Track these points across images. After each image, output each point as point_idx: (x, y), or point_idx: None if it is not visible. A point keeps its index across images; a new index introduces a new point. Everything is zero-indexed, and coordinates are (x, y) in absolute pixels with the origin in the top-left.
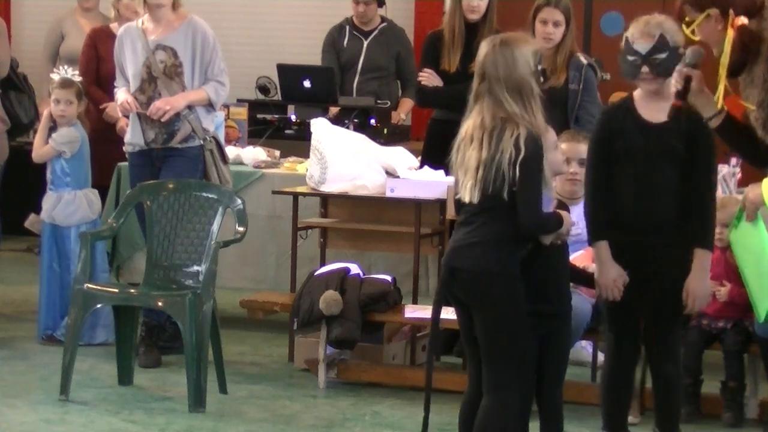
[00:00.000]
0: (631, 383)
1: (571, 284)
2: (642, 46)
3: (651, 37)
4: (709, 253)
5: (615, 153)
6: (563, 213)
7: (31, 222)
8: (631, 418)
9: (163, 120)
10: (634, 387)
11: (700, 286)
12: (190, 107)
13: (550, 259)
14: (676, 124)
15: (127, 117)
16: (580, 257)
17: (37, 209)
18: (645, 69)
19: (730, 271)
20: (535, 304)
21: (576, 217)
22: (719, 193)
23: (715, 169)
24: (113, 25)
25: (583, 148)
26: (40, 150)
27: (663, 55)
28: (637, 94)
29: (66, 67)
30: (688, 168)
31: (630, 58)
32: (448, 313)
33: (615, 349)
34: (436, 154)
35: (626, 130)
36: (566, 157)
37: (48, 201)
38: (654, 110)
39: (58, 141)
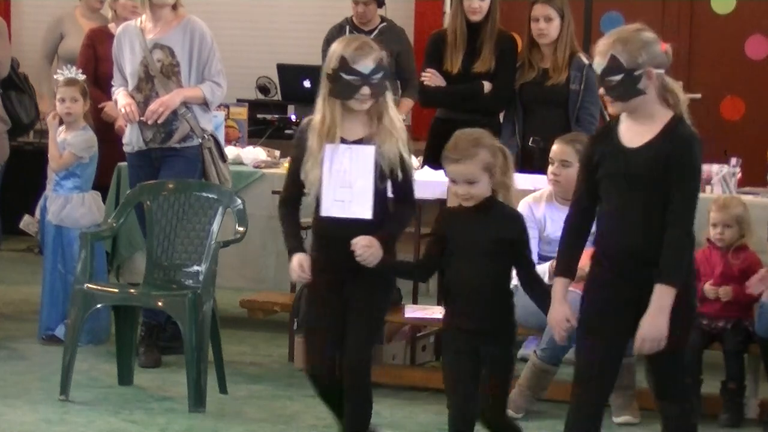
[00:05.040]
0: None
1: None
2: (598, 65)
3: (603, 57)
4: (673, 290)
5: (597, 180)
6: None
7: (25, 223)
8: (630, 418)
9: (159, 122)
10: (634, 388)
11: (654, 326)
12: (187, 106)
13: (453, 270)
14: (656, 146)
15: None
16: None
17: (32, 210)
18: (602, 90)
19: (731, 271)
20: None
21: None
22: (719, 192)
23: (695, 197)
24: (111, 26)
25: (566, 150)
26: (58, 160)
27: (616, 78)
28: (623, 114)
29: (69, 66)
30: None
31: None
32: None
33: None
34: (438, 153)
35: (607, 155)
36: (550, 158)
37: (54, 203)
38: (635, 132)
39: (78, 147)
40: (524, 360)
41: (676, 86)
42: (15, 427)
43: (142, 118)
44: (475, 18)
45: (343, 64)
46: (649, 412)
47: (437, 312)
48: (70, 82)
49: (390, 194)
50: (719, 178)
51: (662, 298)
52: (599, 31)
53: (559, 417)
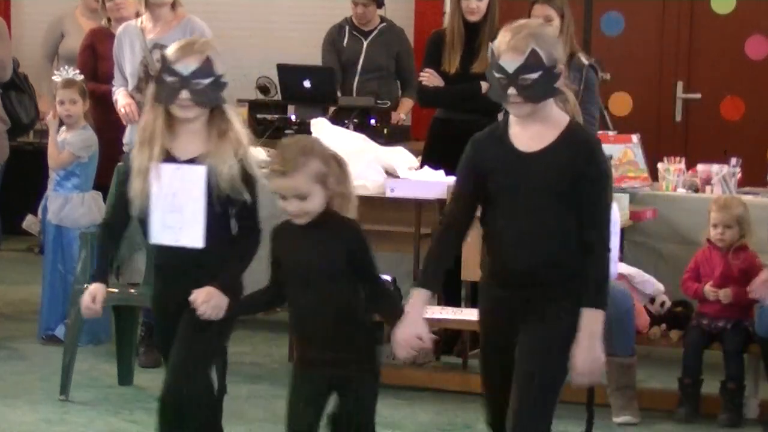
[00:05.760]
0: None
1: None
2: (509, 63)
3: (520, 53)
4: (602, 314)
5: (487, 191)
6: None
7: (28, 223)
8: (630, 419)
9: None
10: (634, 388)
11: (589, 356)
12: None
13: (292, 297)
14: (557, 152)
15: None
16: None
17: (34, 210)
18: (512, 91)
19: (731, 272)
20: None
21: None
22: (719, 192)
23: (609, 207)
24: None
25: None
26: (57, 158)
27: (534, 76)
28: (513, 117)
29: (67, 66)
30: (575, 205)
31: (496, 75)
32: (450, 314)
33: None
34: (437, 153)
35: (498, 163)
36: None
37: (54, 202)
38: (530, 136)
39: (77, 146)
40: None
41: (566, 86)
42: (15, 427)
43: None
44: (473, 18)
45: (164, 64)
46: (649, 412)
47: (437, 312)
48: (68, 84)
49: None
50: (719, 178)
51: (592, 323)
52: (599, 31)
53: (559, 417)
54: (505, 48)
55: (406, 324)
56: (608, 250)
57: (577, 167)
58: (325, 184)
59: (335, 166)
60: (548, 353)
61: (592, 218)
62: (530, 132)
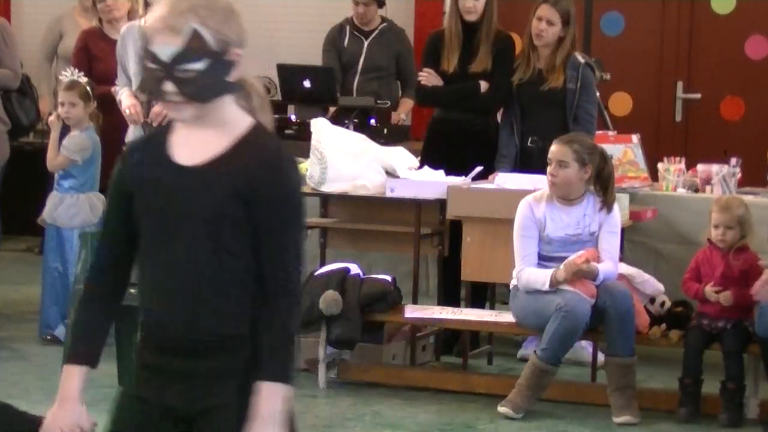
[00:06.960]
0: None
1: (566, 285)
2: (162, 48)
3: (175, 34)
4: (284, 388)
5: (136, 212)
6: None
7: (42, 220)
8: (630, 419)
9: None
10: (634, 388)
11: None
12: None
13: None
14: (227, 165)
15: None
16: (579, 256)
17: (37, 210)
18: (169, 87)
19: (731, 273)
20: None
21: (575, 217)
22: (719, 193)
23: (302, 242)
24: (106, 25)
25: (564, 151)
26: (54, 161)
27: (197, 66)
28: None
29: (72, 68)
30: (250, 237)
31: (149, 64)
32: (450, 314)
33: None
34: (435, 153)
35: (149, 179)
36: (548, 158)
37: (51, 201)
38: (196, 144)
39: (71, 149)
40: (524, 360)
41: (255, 79)
42: None
43: (147, 120)
44: (470, 18)
45: None
46: (649, 412)
47: (437, 312)
48: (71, 86)
49: None
50: (719, 178)
51: (270, 401)
52: (599, 31)
53: (559, 417)
54: (159, 27)
55: (62, 413)
56: (296, 297)
57: (253, 185)
58: None
59: None
60: None
61: (272, 255)
62: (196, 139)
